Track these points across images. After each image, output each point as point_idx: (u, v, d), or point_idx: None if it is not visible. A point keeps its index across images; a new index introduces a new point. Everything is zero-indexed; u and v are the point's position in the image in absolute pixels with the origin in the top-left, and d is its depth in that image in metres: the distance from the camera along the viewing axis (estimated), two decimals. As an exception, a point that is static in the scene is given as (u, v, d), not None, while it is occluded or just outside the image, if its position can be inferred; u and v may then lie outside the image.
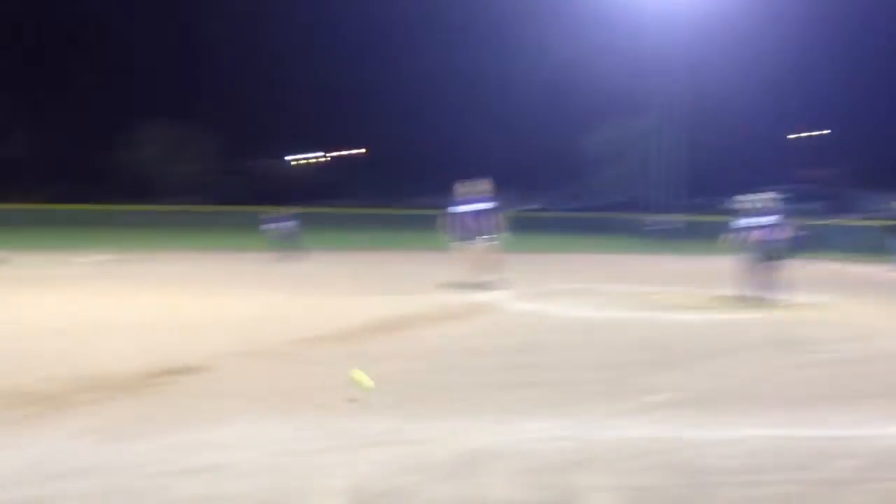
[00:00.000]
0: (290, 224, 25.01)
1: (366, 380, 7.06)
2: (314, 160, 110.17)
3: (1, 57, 68.01)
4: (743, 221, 14.44)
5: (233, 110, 77.92)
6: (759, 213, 14.27)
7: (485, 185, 12.84)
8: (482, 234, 12.83)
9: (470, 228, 12.95)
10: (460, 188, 13.08)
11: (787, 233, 14.28)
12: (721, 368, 8.38)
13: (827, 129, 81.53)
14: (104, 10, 77.19)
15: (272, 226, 25.36)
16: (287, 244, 24.22)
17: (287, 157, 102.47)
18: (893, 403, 7.03)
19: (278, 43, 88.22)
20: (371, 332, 10.40)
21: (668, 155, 53.62)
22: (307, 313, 12.40)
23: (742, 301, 13.97)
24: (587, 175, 66.69)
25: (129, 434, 5.78)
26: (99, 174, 66.97)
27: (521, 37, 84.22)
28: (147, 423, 6.09)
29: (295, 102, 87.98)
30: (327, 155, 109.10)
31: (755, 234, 14.11)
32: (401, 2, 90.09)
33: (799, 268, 21.04)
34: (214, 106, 74.99)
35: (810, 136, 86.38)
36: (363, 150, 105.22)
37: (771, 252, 14.07)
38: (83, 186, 59.49)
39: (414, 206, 63.16)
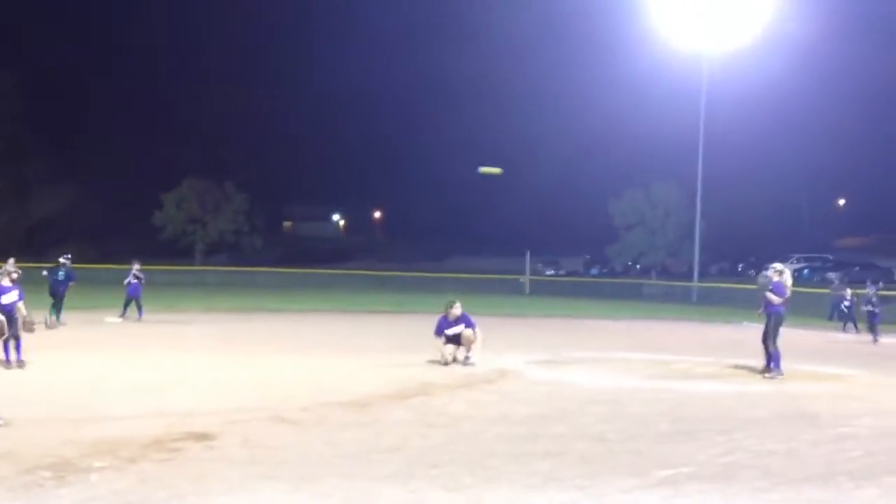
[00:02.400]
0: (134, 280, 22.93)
1: (493, 170, 7.31)
2: (334, 223, 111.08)
3: (45, 116, 69.80)
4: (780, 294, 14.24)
5: (259, 172, 78.97)
6: (777, 284, 14.23)
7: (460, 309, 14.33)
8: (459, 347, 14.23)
9: (453, 342, 14.23)
10: (452, 310, 13.95)
11: (785, 302, 14.18)
12: (737, 442, 8.38)
13: (857, 197, 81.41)
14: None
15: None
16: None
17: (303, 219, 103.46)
18: (909, 482, 7.02)
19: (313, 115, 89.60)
20: (389, 399, 10.49)
21: (690, 222, 53.62)
22: (323, 376, 12.51)
23: (758, 371, 13.92)
24: (609, 241, 66.70)
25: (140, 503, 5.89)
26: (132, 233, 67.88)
27: (544, 104, 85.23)
28: (160, 490, 6.21)
29: (328, 166, 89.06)
30: (344, 218, 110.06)
31: (773, 304, 14.05)
32: (420, 68, 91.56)
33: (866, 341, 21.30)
34: (243, 168, 76.03)
35: (837, 206, 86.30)
36: (379, 214, 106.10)
37: (782, 321, 14.05)
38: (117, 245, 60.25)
39: (437, 269, 63.49)
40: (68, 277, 20.69)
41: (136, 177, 74.21)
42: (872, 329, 22.24)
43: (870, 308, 22.74)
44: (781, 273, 14.25)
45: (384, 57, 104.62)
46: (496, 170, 7.28)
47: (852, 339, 23.19)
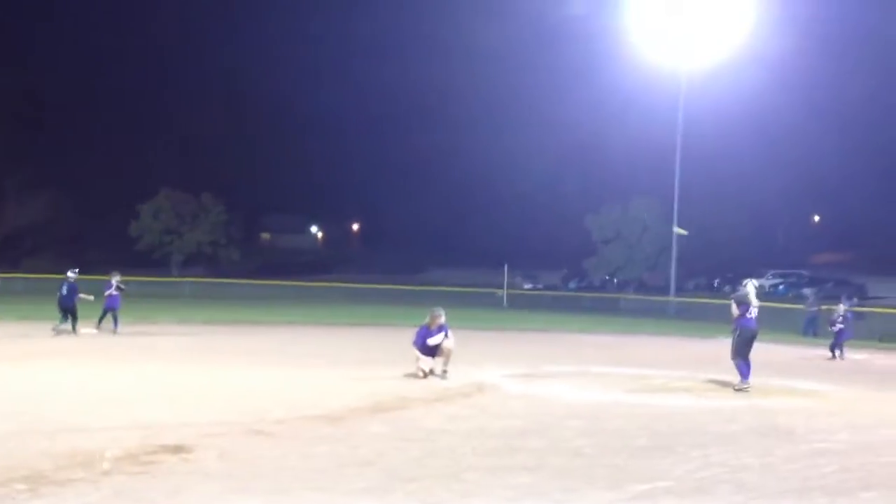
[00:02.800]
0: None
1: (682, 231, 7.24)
2: (312, 234, 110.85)
3: (22, 124, 69.38)
4: (740, 307, 14.44)
5: (236, 184, 78.77)
6: (752, 297, 14.35)
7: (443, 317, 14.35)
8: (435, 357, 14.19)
9: (430, 351, 14.17)
10: (435, 318, 13.95)
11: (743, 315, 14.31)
12: (713, 456, 8.41)
13: (832, 214, 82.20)
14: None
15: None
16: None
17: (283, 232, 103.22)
18: (887, 496, 7.06)
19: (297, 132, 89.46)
20: (365, 412, 10.45)
21: (667, 237, 53.92)
22: (300, 389, 12.45)
23: (738, 384, 14.00)
24: (587, 255, 66.99)
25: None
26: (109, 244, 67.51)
27: (524, 118, 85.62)
28: (134, 503, 6.15)
29: (301, 179, 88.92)
30: (322, 230, 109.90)
31: (746, 318, 14.19)
32: (407, 83, 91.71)
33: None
34: (220, 179, 75.78)
35: (812, 222, 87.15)
36: (357, 227, 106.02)
37: (754, 336, 14.17)
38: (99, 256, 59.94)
39: (414, 282, 63.44)
40: (72, 291, 20.99)
41: (113, 187, 73.82)
42: (836, 346, 21.92)
43: (839, 325, 22.41)
44: (745, 287, 14.41)
45: (364, 70, 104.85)
46: (684, 231, 7.64)
47: (864, 359, 22.86)
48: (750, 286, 14.46)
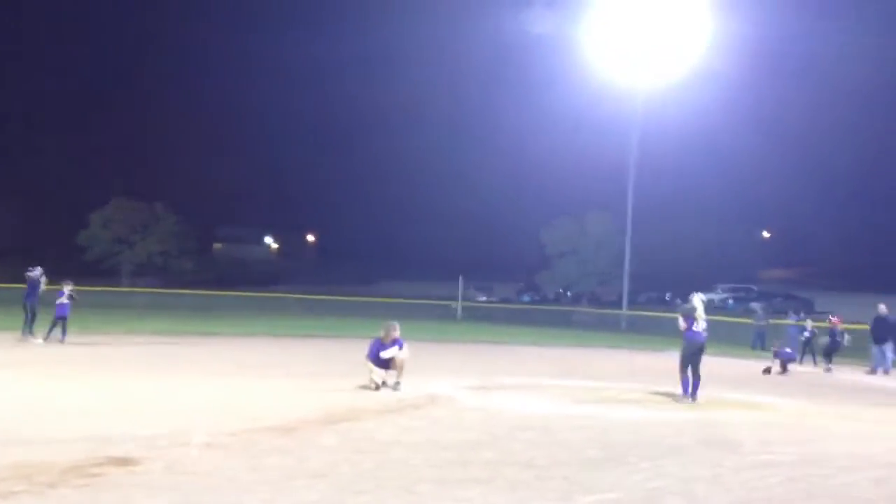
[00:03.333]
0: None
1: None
2: (267, 245, 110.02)
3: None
4: (686, 320, 14.67)
5: (189, 193, 78.03)
6: (695, 313, 14.56)
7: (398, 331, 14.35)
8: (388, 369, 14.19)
9: (383, 364, 14.17)
10: (390, 331, 13.94)
11: (706, 331, 14.59)
12: (662, 468, 8.49)
13: (781, 231, 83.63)
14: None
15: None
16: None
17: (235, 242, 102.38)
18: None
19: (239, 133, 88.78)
20: (317, 424, 10.39)
21: (620, 252, 54.44)
22: (251, 401, 12.32)
23: (678, 397, 14.20)
24: (541, 268, 67.37)
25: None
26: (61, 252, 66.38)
27: (479, 133, 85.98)
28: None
29: (254, 189, 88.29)
30: (277, 241, 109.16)
31: (692, 331, 14.41)
32: (359, 96, 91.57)
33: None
34: (173, 189, 75.00)
35: (762, 238, 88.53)
36: (312, 238, 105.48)
37: (701, 349, 14.39)
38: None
39: (369, 294, 63.28)
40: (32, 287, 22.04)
41: (61, 195, 72.67)
42: (821, 355, 22.60)
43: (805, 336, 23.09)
44: (692, 300, 14.63)
45: (321, 82, 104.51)
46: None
47: (811, 371, 23.32)
48: (696, 300, 14.68)
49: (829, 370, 22.94)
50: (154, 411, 11.07)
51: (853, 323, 29.24)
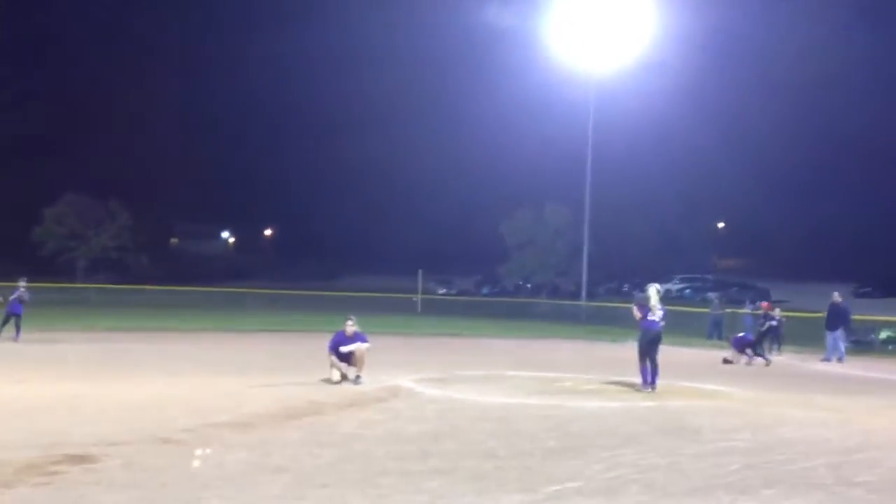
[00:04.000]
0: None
1: None
2: (224, 240, 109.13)
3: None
4: (641, 310, 14.89)
5: (145, 188, 77.11)
6: (649, 302, 14.78)
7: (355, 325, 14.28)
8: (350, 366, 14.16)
9: (344, 358, 14.13)
10: (350, 326, 13.89)
11: (665, 320, 14.82)
12: (622, 457, 8.58)
13: (736, 220, 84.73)
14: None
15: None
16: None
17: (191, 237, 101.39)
18: (788, 492, 7.30)
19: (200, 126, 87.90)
20: (278, 419, 10.34)
21: (578, 243, 54.75)
22: (210, 396, 12.21)
23: (639, 387, 14.37)
24: (501, 260, 67.52)
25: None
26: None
27: (438, 126, 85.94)
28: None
29: (209, 183, 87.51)
30: (234, 236, 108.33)
31: (648, 320, 14.63)
32: (316, 89, 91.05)
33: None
34: (128, 184, 73.99)
35: (717, 228, 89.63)
36: (270, 232, 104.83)
37: (658, 337, 14.58)
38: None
39: (329, 288, 63.01)
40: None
41: (14, 191, 71.29)
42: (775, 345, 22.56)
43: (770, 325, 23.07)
44: (647, 290, 14.83)
45: (278, 76, 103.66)
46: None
47: (784, 361, 23.35)
48: (652, 290, 14.88)
49: (768, 360, 21.93)
50: (111, 409, 10.92)
51: (808, 312, 29.78)
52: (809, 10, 73.94)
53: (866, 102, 74.14)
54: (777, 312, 26.65)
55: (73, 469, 7.34)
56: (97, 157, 79.45)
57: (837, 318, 24.04)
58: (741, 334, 22.98)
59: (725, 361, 21.43)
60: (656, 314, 14.58)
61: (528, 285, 67.88)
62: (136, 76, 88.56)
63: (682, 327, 31.71)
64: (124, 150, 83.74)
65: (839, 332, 23.85)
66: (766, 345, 23.47)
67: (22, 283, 21.92)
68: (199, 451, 8.11)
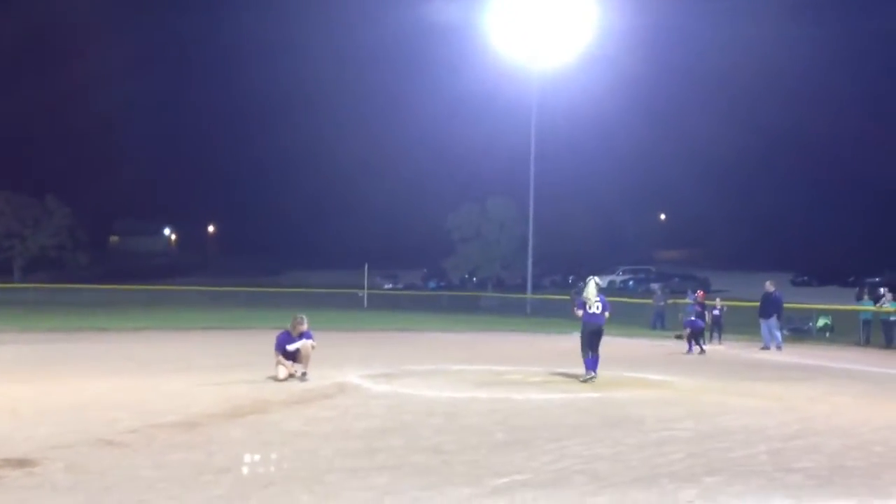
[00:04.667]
0: None
1: None
2: (165, 238, 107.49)
3: None
4: (577, 303, 15.17)
5: (83, 186, 75.62)
6: (589, 293, 15.04)
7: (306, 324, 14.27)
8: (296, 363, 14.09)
9: (290, 356, 14.09)
10: (297, 325, 13.84)
11: (608, 312, 15.09)
12: (567, 448, 8.66)
13: (676, 212, 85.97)
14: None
15: None
16: None
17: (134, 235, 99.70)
18: (729, 480, 7.44)
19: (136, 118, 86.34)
20: (222, 418, 10.23)
21: (523, 236, 55.08)
22: (152, 397, 12.04)
23: (582, 378, 14.56)
24: (446, 255, 67.64)
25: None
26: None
27: (382, 121, 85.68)
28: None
29: (150, 180, 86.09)
30: (175, 233, 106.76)
31: (588, 313, 14.88)
32: (260, 84, 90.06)
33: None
34: (65, 181, 72.52)
35: (658, 220, 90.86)
36: (213, 229, 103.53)
37: (598, 330, 14.82)
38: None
39: (273, 284, 62.50)
40: None
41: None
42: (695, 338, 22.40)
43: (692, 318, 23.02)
44: (587, 283, 15.09)
45: (222, 68, 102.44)
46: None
47: (725, 350, 23.66)
48: (591, 283, 15.11)
49: (703, 351, 22.07)
50: (52, 411, 10.70)
51: (748, 301, 30.34)
52: (748, 8, 75.36)
53: (802, 97, 75.83)
54: (718, 302, 27.14)
55: (14, 473, 7.19)
56: (33, 154, 77.71)
57: (770, 306, 24.49)
58: (693, 318, 22.80)
59: (678, 337, 22.02)
60: (593, 306, 14.83)
61: (474, 279, 68.10)
62: (73, 74, 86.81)
63: (625, 318, 32.10)
64: (61, 147, 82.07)
65: (773, 320, 24.30)
66: (705, 334, 23.93)
67: None
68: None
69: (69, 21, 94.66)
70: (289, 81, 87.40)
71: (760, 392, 13.93)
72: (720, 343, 25.17)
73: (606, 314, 15.06)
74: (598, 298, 14.92)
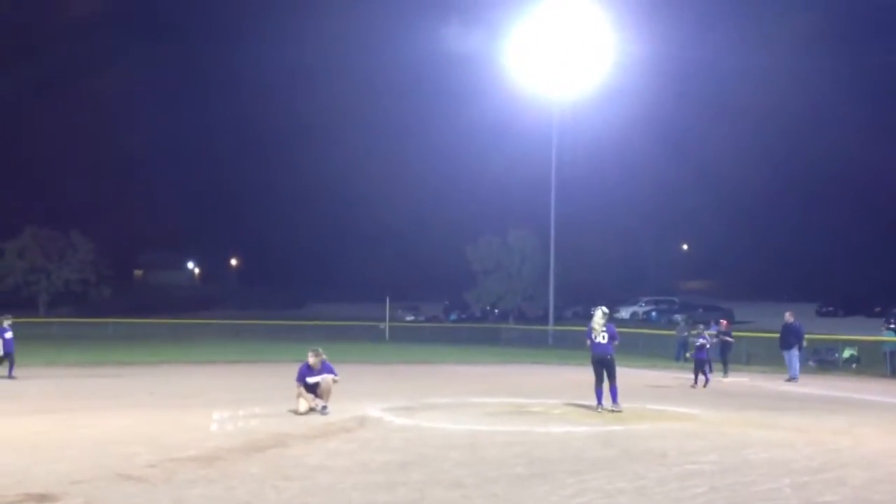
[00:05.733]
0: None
1: None
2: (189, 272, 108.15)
3: None
4: (592, 333, 15.15)
5: (107, 220, 76.38)
6: (595, 323, 15.05)
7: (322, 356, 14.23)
8: (317, 397, 14.12)
9: (311, 389, 14.13)
10: (315, 358, 13.91)
11: (616, 342, 15.06)
12: (588, 482, 8.58)
13: (699, 243, 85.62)
14: None
15: None
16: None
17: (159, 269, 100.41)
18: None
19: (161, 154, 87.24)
20: (242, 452, 10.22)
21: (544, 267, 54.96)
22: (174, 431, 12.05)
23: (603, 411, 14.49)
24: (468, 286, 67.56)
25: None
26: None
27: (402, 152, 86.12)
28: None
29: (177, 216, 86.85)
30: (199, 266, 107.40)
31: (595, 343, 14.89)
32: (287, 114, 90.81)
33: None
34: (89, 215, 73.32)
35: (681, 250, 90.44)
36: (236, 262, 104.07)
37: (601, 359, 14.76)
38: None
39: (295, 317, 62.64)
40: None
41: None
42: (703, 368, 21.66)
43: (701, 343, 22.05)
44: (594, 314, 15.12)
45: (242, 99, 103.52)
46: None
47: (733, 381, 23.33)
48: (599, 312, 15.14)
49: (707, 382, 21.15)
50: (73, 445, 10.74)
51: (767, 332, 30.05)
52: (767, 40, 75.46)
53: (822, 127, 75.64)
54: (706, 332, 24.87)
55: (34, 508, 7.21)
56: (58, 189, 78.70)
57: (790, 336, 24.30)
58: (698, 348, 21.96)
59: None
60: (599, 336, 14.83)
61: (496, 310, 67.91)
62: (97, 105, 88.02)
63: (649, 349, 31.91)
64: (85, 181, 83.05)
65: (794, 351, 24.08)
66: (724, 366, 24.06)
67: (6, 321, 21.80)
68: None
69: (91, 59, 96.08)
70: (308, 112, 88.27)
71: (785, 424, 13.76)
72: (725, 376, 24.10)
73: (615, 343, 15.05)
74: (604, 328, 14.92)
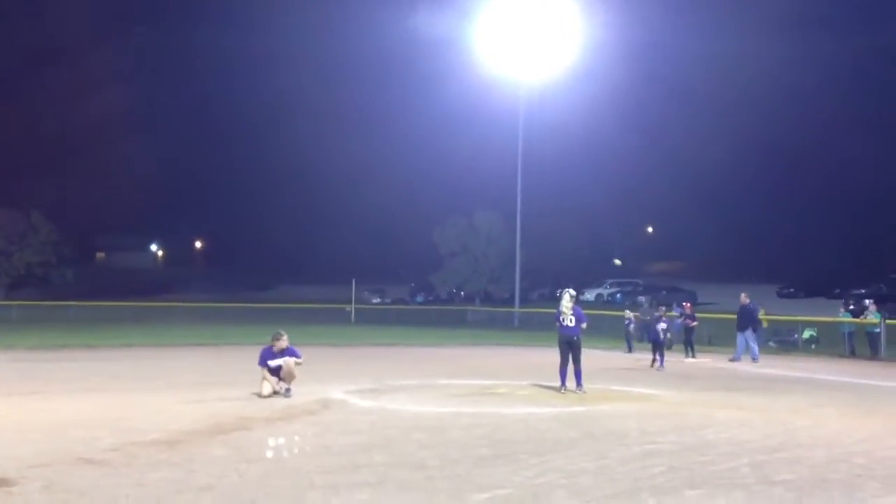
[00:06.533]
0: None
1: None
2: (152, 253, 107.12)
3: None
4: (561, 315, 15.29)
5: (69, 202, 75.38)
6: (563, 305, 15.20)
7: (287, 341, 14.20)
8: (280, 380, 14.08)
9: (274, 372, 14.05)
10: (278, 341, 13.84)
11: (585, 325, 15.21)
12: (551, 462, 8.65)
13: (663, 225, 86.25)
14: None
15: None
16: None
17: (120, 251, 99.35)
18: (711, 493, 7.44)
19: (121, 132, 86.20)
20: (204, 435, 10.17)
21: (511, 249, 55.12)
22: (135, 414, 11.95)
23: (566, 392, 14.64)
24: (433, 269, 67.63)
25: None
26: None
27: (368, 135, 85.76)
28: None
29: (139, 195, 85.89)
30: (163, 248, 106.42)
31: (562, 325, 15.05)
32: (253, 97, 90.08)
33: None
34: (50, 197, 72.26)
35: (646, 233, 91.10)
36: (200, 244, 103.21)
37: (567, 341, 14.93)
38: None
39: (260, 300, 62.32)
40: None
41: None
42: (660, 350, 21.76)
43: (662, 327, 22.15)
44: (562, 296, 15.29)
45: (207, 83, 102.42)
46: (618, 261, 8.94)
47: (696, 362, 23.78)
48: (566, 295, 15.25)
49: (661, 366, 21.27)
50: (33, 430, 10.61)
51: (729, 313, 30.36)
52: (733, 22, 75.95)
53: (787, 110, 76.35)
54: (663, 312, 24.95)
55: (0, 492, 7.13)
56: (18, 170, 77.47)
57: (745, 318, 24.50)
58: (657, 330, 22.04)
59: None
60: (567, 318, 14.96)
61: (462, 293, 68.07)
62: (58, 89, 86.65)
63: (613, 331, 32.14)
64: (46, 162, 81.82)
65: (749, 333, 24.27)
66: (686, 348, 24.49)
67: None
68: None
69: (54, 38, 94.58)
70: (274, 96, 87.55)
71: (745, 404, 13.95)
72: (688, 357, 24.45)
73: (583, 325, 15.18)
74: (572, 310, 15.06)
